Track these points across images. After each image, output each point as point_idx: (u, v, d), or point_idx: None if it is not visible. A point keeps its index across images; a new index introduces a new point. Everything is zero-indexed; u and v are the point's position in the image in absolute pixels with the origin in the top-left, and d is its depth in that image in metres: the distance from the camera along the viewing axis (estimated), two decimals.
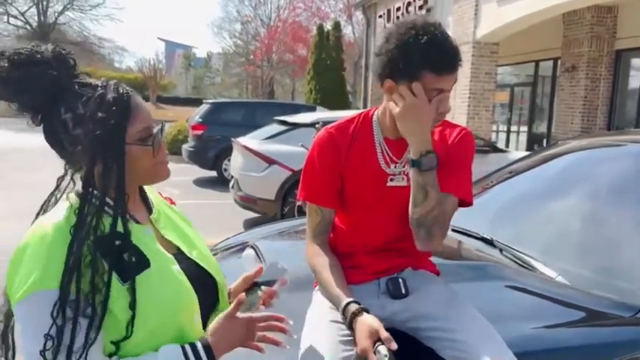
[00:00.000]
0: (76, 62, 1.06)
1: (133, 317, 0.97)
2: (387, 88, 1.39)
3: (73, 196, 1.05)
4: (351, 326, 1.31)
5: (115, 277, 0.98)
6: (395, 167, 1.48)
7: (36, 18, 35.58)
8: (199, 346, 1.03)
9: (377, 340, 1.23)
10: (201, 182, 9.66)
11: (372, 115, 1.53)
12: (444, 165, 1.41)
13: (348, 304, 1.34)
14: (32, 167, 9.55)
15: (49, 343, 0.92)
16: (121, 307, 0.98)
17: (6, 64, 0.98)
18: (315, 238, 1.53)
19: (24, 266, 0.95)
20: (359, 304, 1.33)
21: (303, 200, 1.55)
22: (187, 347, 1.02)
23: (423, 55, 1.30)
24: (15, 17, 35.14)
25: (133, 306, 0.98)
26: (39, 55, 1.00)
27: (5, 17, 34.76)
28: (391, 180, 1.47)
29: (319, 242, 1.53)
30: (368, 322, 1.27)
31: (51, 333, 0.92)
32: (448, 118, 1.64)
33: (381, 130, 1.50)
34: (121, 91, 1.04)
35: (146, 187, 1.20)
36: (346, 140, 1.51)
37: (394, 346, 1.21)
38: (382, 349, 1.20)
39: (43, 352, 0.92)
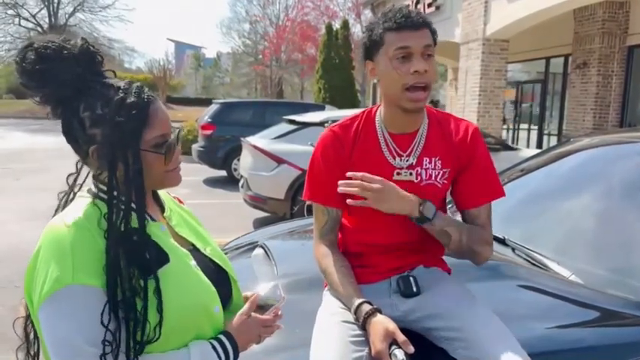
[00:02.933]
0: (103, 59, 1.06)
1: (160, 320, 0.98)
2: (370, 70, 1.47)
3: (86, 194, 1.06)
4: (364, 327, 1.30)
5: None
6: (400, 160, 1.47)
7: (47, 20, 35.90)
8: (225, 339, 1.08)
9: (392, 342, 1.22)
10: (211, 182, 9.69)
11: (376, 111, 1.54)
12: (471, 176, 1.49)
13: (360, 304, 1.33)
14: (47, 168, 9.67)
15: (108, 348, 0.93)
16: (151, 311, 0.98)
17: (33, 57, 0.98)
18: (322, 238, 1.53)
19: (47, 264, 0.95)
20: (372, 304, 1.33)
21: (308, 200, 1.55)
22: (214, 342, 1.07)
23: (383, 21, 1.41)
24: (26, 19, 35.50)
25: (160, 309, 0.98)
26: (66, 51, 1.00)
27: (17, 19, 35.14)
28: (397, 174, 1.47)
29: (327, 243, 1.52)
30: (383, 323, 1.25)
31: (107, 338, 0.93)
32: (459, 115, 1.64)
33: (384, 124, 1.50)
34: (142, 95, 1.03)
35: None
36: (350, 138, 1.51)
37: (411, 349, 1.19)
38: (399, 353, 1.19)
39: (103, 357, 0.93)
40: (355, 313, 1.33)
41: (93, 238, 0.97)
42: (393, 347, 1.21)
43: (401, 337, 1.21)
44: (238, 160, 7.92)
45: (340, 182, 1.39)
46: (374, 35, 1.41)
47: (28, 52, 0.98)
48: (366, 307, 1.31)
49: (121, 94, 1.01)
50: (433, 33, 1.41)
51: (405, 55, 1.37)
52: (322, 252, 1.51)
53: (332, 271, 1.45)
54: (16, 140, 15.09)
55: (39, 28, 35.34)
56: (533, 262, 1.90)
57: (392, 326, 1.24)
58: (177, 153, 1.11)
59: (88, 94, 1.01)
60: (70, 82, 1.00)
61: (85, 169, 1.09)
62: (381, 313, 1.30)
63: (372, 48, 1.43)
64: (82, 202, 1.04)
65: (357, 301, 1.34)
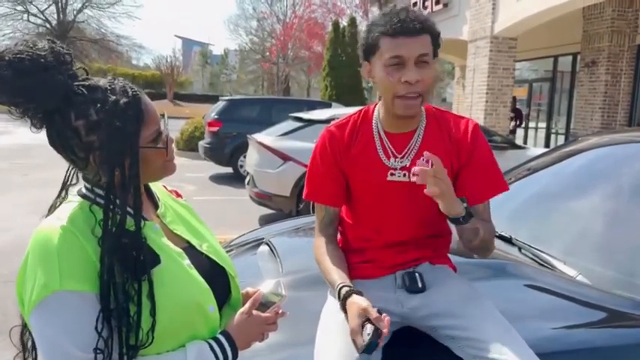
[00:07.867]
0: (72, 58, 1.00)
1: (154, 323, 0.97)
2: (367, 72, 1.45)
3: (77, 197, 1.04)
4: (345, 309, 1.28)
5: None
6: (395, 161, 1.46)
7: (55, 16, 36.05)
8: (223, 339, 1.06)
9: (366, 320, 1.19)
10: (217, 178, 9.71)
11: (373, 109, 1.54)
12: (473, 172, 1.46)
13: (340, 287, 1.33)
14: (55, 164, 9.69)
15: (100, 357, 0.92)
16: (144, 316, 0.97)
17: (9, 72, 0.91)
18: (321, 231, 1.56)
19: (34, 270, 0.94)
20: (351, 286, 1.32)
21: (306, 199, 1.57)
22: (212, 342, 1.05)
23: (380, 23, 1.37)
24: (35, 15, 35.66)
25: (153, 313, 0.97)
26: (42, 59, 0.93)
27: (25, 15, 35.30)
28: (391, 175, 1.46)
29: (325, 235, 1.54)
30: (357, 302, 1.23)
31: (99, 346, 0.92)
32: (466, 114, 1.62)
33: (381, 123, 1.50)
34: (131, 93, 1.00)
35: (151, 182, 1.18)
36: (347, 136, 1.52)
37: (383, 325, 1.16)
38: (368, 327, 1.17)
39: None
40: (338, 297, 1.33)
41: (79, 242, 0.95)
42: (366, 323, 1.18)
43: (373, 314, 1.18)
44: (244, 156, 7.94)
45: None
46: (370, 38, 1.39)
47: (3, 70, 0.91)
48: (344, 290, 1.31)
49: (111, 96, 0.97)
50: (434, 36, 1.38)
51: (397, 63, 1.35)
52: (318, 244, 1.53)
53: (323, 259, 1.47)
54: (23, 135, 15.14)
55: (47, 24, 35.51)
56: (540, 261, 1.89)
57: (365, 304, 1.22)
58: (172, 142, 1.09)
59: (75, 100, 0.96)
60: (56, 92, 0.94)
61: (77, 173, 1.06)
62: (360, 295, 1.28)
63: (368, 50, 1.41)
64: (70, 206, 1.01)
65: (338, 285, 1.34)
